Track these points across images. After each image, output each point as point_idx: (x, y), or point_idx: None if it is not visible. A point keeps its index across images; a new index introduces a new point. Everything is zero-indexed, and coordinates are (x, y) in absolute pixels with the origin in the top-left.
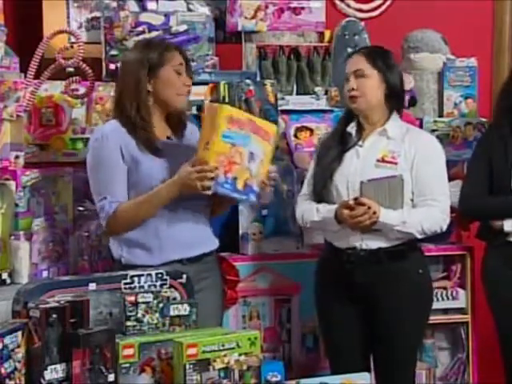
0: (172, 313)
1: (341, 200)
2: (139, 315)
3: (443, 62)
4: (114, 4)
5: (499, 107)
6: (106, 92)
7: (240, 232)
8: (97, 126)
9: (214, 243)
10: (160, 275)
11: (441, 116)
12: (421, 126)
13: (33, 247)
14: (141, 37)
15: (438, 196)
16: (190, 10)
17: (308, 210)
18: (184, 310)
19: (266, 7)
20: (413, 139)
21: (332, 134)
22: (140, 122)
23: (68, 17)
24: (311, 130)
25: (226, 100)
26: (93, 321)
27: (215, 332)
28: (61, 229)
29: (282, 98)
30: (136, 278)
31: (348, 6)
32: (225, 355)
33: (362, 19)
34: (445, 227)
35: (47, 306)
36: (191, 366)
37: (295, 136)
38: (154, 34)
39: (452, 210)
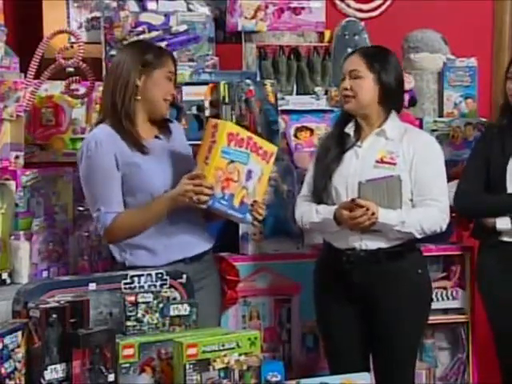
0: (172, 313)
1: (340, 201)
2: (139, 315)
3: (443, 62)
4: (114, 4)
5: (499, 106)
6: None
7: (240, 232)
8: None
9: (210, 241)
10: (160, 275)
11: (441, 116)
12: (421, 126)
13: (33, 247)
14: (141, 37)
15: (437, 196)
16: (190, 10)
17: (307, 212)
18: (184, 309)
19: (266, 7)
20: (411, 139)
21: (330, 135)
22: (125, 119)
23: (68, 17)
24: (311, 130)
25: (226, 100)
26: (93, 321)
27: (215, 332)
28: (61, 229)
29: (282, 98)
30: (136, 278)
31: (348, 6)
32: (225, 355)
33: (362, 19)
34: (444, 227)
35: (47, 305)
36: (191, 366)
37: (295, 136)
38: (154, 33)
39: (452, 209)
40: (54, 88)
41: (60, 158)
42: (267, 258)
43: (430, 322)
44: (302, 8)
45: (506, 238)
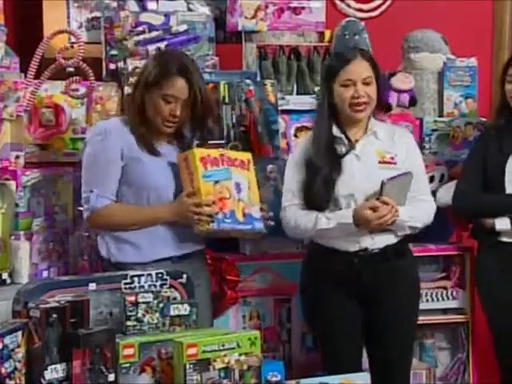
0: (172, 313)
1: (352, 206)
2: (139, 315)
3: (443, 61)
4: (114, 4)
5: (495, 107)
6: (106, 92)
7: None
8: None
9: (202, 242)
10: (160, 275)
11: (441, 116)
12: (421, 126)
13: (33, 247)
14: (141, 37)
15: (427, 191)
16: (190, 9)
17: (313, 219)
18: (184, 309)
19: (266, 7)
20: (399, 137)
21: (317, 139)
22: (141, 126)
23: (68, 17)
24: None
25: (226, 100)
26: (93, 321)
27: (215, 332)
28: (61, 229)
29: (282, 98)
30: (136, 278)
31: (348, 6)
32: (225, 355)
33: (362, 19)
34: (431, 219)
35: (47, 305)
36: (191, 366)
37: (295, 136)
38: (154, 33)
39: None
40: (53, 88)
41: (60, 158)
42: (267, 258)
43: (429, 321)
44: (302, 8)
45: (505, 239)
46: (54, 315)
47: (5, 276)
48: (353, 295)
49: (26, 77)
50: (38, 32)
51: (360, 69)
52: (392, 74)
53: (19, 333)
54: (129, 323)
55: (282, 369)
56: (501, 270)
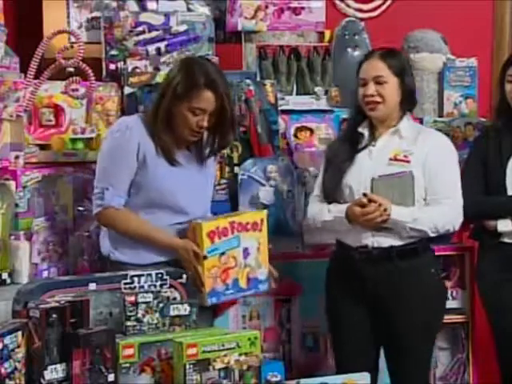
0: (172, 313)
1: (353, 199)
2: (139, 315)
3: (443, 62)
4: (114, 4)
5: (493, 108)
6: (105, 92)
7: None
8: (97, 125)
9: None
10: (160, 275)
11: (441, 116)
12: None
13: (33, 247)
14: (141, 37)
15: (451, 195)
16: (189, 10)
17: (319, 211)
18: (184, 309)
19: (266, 7)
20: (425, 139)
21: (343, 135)
22: (165, 134)
23: (68, 17)
24: (311, 130)
25: None
26: (93, 321)
27: (215, 332)
28: (61, 229)
29: (282, 98)
30: (136, 278)
31: (348, 6)
32: (225, 355)
33: (361, 19)
34: (457, 226)
35: (47, 306)
36: (191, 366)
37: (295, 136)
38: (154, 33)
39: None
40: (53, 88)
41: (60, 158)
42: None
43: None
44: (302, 8)
45: (506, 240)
46: (54, 315)
47: (5, 276)
48: (359, 293)
49: (25, 77)
50: (38, 32)
51: (371, 68)
52: None
53: (19, 333)
54: (129, 323)
55: (282, 369)
56: (502, 271)
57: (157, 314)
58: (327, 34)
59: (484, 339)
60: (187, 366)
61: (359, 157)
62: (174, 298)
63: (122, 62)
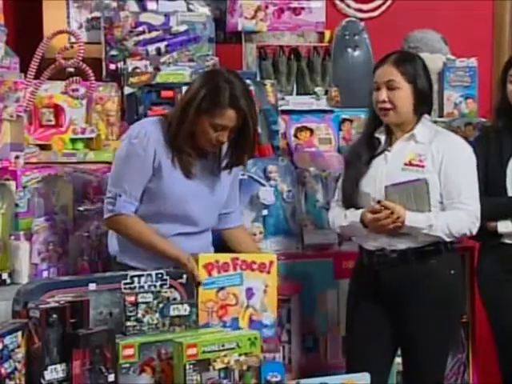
0: (172, 313)
1: (369, 205)
2: (139, 315)
3: (443, 62)
4: (114, 4)
5: (493, 108)
6: (106, 92)
7: None
8: (97, 126)
9: (209, 251)
10: (160, 275)
11: (441, 116)
12: None
13: (33, 247)
14: (141, 37)
15: (466, 199)
16: (190, 10)
17: (337, 216)
18: (184, 310)
19: (266, 7)
20: (441, 142)
21: (360, 140)
22: (186, 145)
23: (68, 17)
24: (311, 130)
25: None
26: (93, 321)
27: (215, 332)
28: (61, 229)
29: (282, 98)
30: (136, 278)
31: (348, 6)
32: (225, 355)
33: (362, 19)
34: (474, 231)
35: (47, 306)
36: (191, 366)
37: (295, 136)
38: (154, 34)
39: None
40: (53, 88)
41: (60, 158)
42: None
43: None
44: (302, 8)
45: (507, 240)
46: (54, 315)
47: (5, 276)
48: (374, 296)
49: (26, 77)
50: (38, 32)
51: (384, 73)
52: None
53: (19, 333)
54: (129, 323)
55: (282, 369)
56: (503, 271)
57: (157, 314)
58: (327, 34)
59: (484, 339)
60: (187, 366)
61: (375, 162)
62: (174, 298)
63: (122, 62)
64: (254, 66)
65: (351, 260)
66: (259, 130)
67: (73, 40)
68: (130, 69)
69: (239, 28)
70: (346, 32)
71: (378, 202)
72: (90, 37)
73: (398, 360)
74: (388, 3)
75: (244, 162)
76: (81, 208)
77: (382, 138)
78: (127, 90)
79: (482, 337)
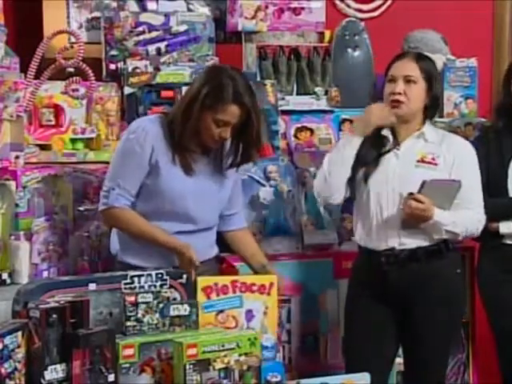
0: (172, 313)
1: (379, 202)
2: (139, 315)
3: (443, 62)
4: (114, 4)
5: (494, 108)
6: (106, 92)
7: None
8: (97, 126)
9: (212, 251)
10: (160, 275)
11: (441, 116)
12: None
13: (33, 247)
14: (141, 37)
15: (476, 200)
16: (190, 10)
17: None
18: (184, 310)
19: (266, 7)
20: (451, 144)
21: (366, 138)
22: (191, 141)
23: (68, 17)
24: (311, 130)
25: None
26: (93, 321)
27: (215, 332)
28: (61, 229)
29: (282, 98)
30: (136, 278)
31: (348, 6)
32: (225, 355)
33: (362, 19)
34: (480, 230)
35: (47, 306)
36: (191, 366)
37: (295, 136)
38: (154, 34)
39: None
40: (53, 88)
41: (60, 158)
42: (267, 258)
43: None
44: (302, 8)
45: (508, 241)
46: (54, 315)
47: (5, 276)
48: (379, 297)
49: (26, 77)
50: (38, 32)
51: (403, 66)
52: None
53: (19, 333)
54: (129, 323)
55: (282, 369)
56: (503, 272)
57: (157, 314)
58: (327, 34)
59: (484, 339)
60: (187, 366)
61: (384, 160)
62: (174, 299)
63: (122, 62)
64: (254, 66)
65: (351, 260)
66: None
67: (73, 40)
68: (130, 69)
69: (239, 28)
70: (346, 32)
71: (410, 193)
72: (89, 37)
73: (398, 360)
74: (388, 3)
75: (253, 159)
76: (81, 208)
77: (390, 136)
78: (127, 90)
79: (482, 337)
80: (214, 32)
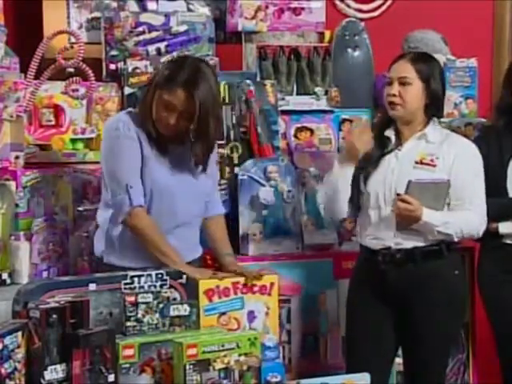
0: (172, 313)
1: (377, 202)
2: (139, 315)
3: (443, 62)
4: (114, 4)
5: (495, 107)
6: (106, 92)
7: (240, 232)
8: (97, 126)
9: (197, 252)
10: (160, 275)
11: (441, 116)
12: None
13: (33, 247)
14: (141, 37)
15: (476, 201)
16: (190, 10)
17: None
18: (184, 310)
19: (266, 7)
20: (452, 144)
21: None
22: (152, 125)
23: (68, 17)
24: (311, 131)
25: (226, 100)
26: (93, 321)
27: (215, 332)
28: (61, 229)
29: (282, 99)
30: (136, 279)
31: (348, 6)
32: (225, 355)
33: (362, 19)
34: (481, 233)
35: (47, 306)
36: (191, 367)
37: (295, 136)
38: (154, 34)
39: None
40: (53, 88)
41: (60, 158)
42: (267, 258)
43: None
44: (302, 8)
45: (509, 241)
46: (54, 315)
47: (5, 276)
48: (379, 296)
49: (26, 77)
50: (38, 32)
51: (398, 68)
52: None
53: (19, 333)
54: (129, 324)
55: (282, 369)
56: (504, 272)
57: (157, 315)
58: (327, 34)
59: (484, 339)
60: (187, 367)
61: (384, 161)
62: (174, 299)
63: (122, 63)
64: (254, 66)
65: (351, 260)
66: (259, 130)
67: (73, 40)
68: (130, 69)
69: (239, 28)
70: (346, 32)
71: (398, 194)
72: (90, 37)
73: (398, 360)
74: (388, 3)
75: (199, 161)
76: (80, 208)
77: (392, 137)
78: (127, 90)
79: (482, 337)
80: (214, 32)
